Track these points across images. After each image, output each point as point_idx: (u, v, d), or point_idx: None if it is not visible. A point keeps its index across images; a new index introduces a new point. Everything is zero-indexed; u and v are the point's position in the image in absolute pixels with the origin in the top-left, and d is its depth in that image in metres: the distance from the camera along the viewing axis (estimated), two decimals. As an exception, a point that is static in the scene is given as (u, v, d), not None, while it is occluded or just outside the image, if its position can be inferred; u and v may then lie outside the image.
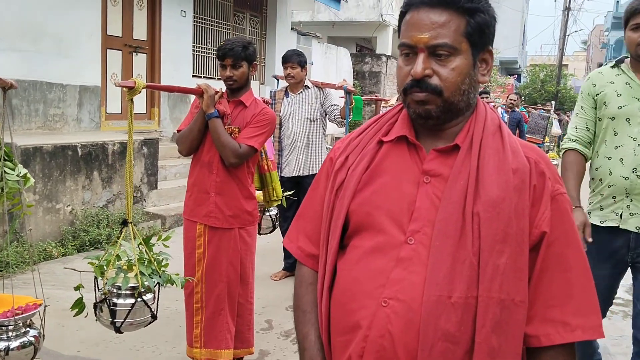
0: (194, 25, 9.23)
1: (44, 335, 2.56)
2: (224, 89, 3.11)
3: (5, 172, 2.62)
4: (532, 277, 1.19)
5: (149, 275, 2.45)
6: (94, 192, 6.05)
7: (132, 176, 2.62)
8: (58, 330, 3.73)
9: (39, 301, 2.62)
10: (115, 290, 2.41)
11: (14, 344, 2.47)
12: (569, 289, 1.20)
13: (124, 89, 2.59)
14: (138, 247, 2.52)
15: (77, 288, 2.49)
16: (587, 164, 2.82)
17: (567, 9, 29.27)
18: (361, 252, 1.24)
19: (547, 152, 13.05)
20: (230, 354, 3.06)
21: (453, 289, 1.13)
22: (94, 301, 2.50)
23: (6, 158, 2.67)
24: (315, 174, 5.03)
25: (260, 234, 3.91)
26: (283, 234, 4.81)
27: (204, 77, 9.50)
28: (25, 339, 2.50)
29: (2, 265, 4.84)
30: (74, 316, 2.50)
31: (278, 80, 5.77)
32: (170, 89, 3.00)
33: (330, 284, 1.29)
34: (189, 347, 3.13)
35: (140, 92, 2.61)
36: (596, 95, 2.72)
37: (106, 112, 7.63)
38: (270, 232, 4.11)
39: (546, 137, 13.08)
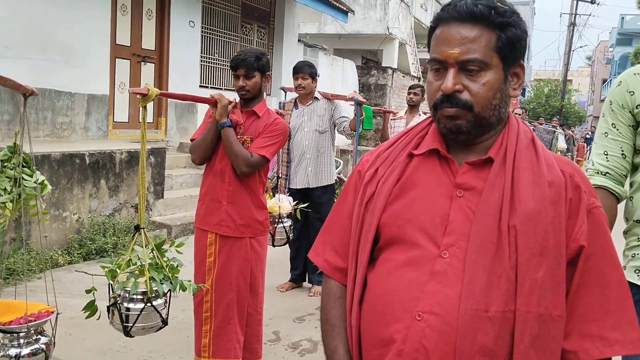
0: (202, 35, 9.28)
1: (54, 343, 2.54)
2: (238, 99, 3.14)
3: (23, 178, 2.63)
4: (570, 292, 1.18)
5: (161, 281, 2.46)
6: (100, 201, 6.05)
7: (145, 182, 2.63)
8: (65, 339, 3.71)
9: (51, 308, 2.61)
10: (126, 295, 2.43)
11: (25, 351, 2.46)
12: (606, 304, 1.18)
13: (138, 96, 2.61)
14: (150, 252, 2.52)
15: (89, 291, 2.51)
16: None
17: (572, 24, 29.38)
18: (393, 265, 1.23)
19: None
20: None
21: (490, 303, 1.12)
22: (107, 304, 2.52)
23: (24, 164, 2.68)
24: (323, 186, 5.05)
25: (274, 245, 3.91)
26: (291, 245, 4.80)
27: (211, 87, 9.53)
28: (36, 346, 2.48)
29: (10, 272, 4.83)
30: (86, 318, 2.51)
31: (286, 92, 5.78)
32: (183, 97, 3.01)
33: (361, 297, 1.28)
34: (197, 356, 3.11)
35: (154, 99, 2.64)
36: (637, 108, 1.91)
37: (114, 121, 7.65)
38: (285, 243, 4.11)
39: (552, 151, 13.06)
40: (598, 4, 30.07)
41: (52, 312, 2.58)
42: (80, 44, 6.94)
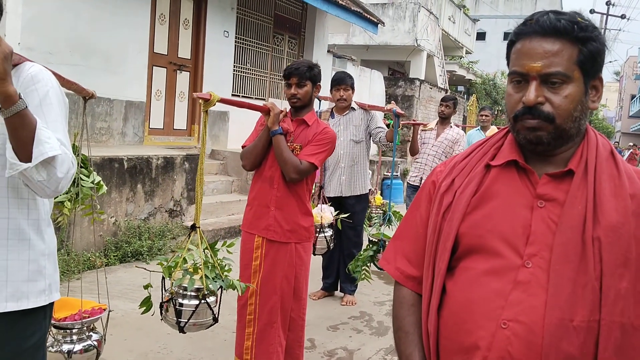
0: (235, 45, 9.43)
1: (105, 340, 2.63)
2: (288, 108, 3.23)
3: (80, 178, 2.73)
4: None
5: (213, 279, 2.54)
6: (136, 205, 6.18)
7: (203, 183, 2.72)
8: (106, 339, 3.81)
9: (103, 306, 2.70)
10: (180, 291, 2.51)
11: (78, 347, 2.55)
12: None
13: (200, 100, 2.71)
14: (204, 251, 2.61)
15: (146, 287, 2.59)
16: None
17: (602, 39, 29.09)
18: (474, 274, 1.26)
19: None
20: None
21: (575, 313, 1.15)
22: (161, 301, 2.59)
23: (82, 165, 2.78)
24: (357, 195, 5.10)
25: (315, 254, 3.97)
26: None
27: (242, 96, 9.66)
28: (88, 342, 2.58)
29: (50, 272, 4.96)
30: (142, 314, 2.60)
31: (320, 100, 5.86)
32: (240, 104, 3.11)
33: (438, 305, 1.31)
34: (237, 358, 3.17)
35: (215, 104, 2.73)
36: None
37: (149, 127, 7.81)
38: (325, 253, 4.18)
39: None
40: (628, 19, 29.78)
41: (104, 310, 2.67)
42: (119, 51, 7.11)
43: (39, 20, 6.18)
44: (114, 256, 5.71)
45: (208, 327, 2.61)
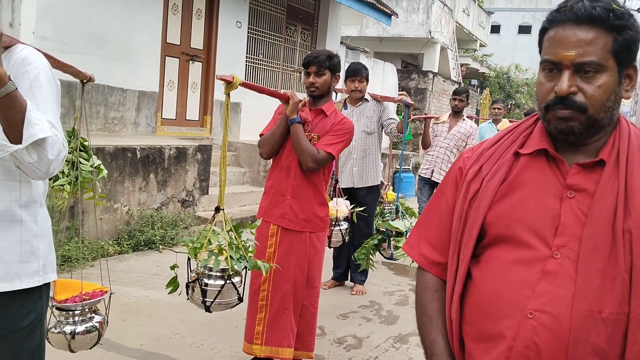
0: (248, 36, 9.43)
1: (107, 322, 2.60)
2: (307, 98, 3.25)
3: (79, 162, 2.72)
4: None
5: (237, 259, 2.58)
6: (149, 194, 6.23)
7: (226, 166, 2.79)
8: (120, 324, 3.86)
9: (105, 288, 2.68)
10: (206, 272, 2.56)
11: (80, 328, 2.50)
12: None
13: (222, 83, 2.72)
14: (228, 232, 2.65)
15: (173, 267, 2.64)
16: None
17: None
18: (501, 262, 1.25)
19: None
20: (291, 352, 3.14)
21: (604, 305, 1.14)
22: (187, 281, 2.65)
23: (81, 149, 2.77)
24: (369, 187, 5.10)
25: (330, 246, 3.99)
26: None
27: (255, 87, 9.68)
28: (90, 324, 2.52)
29: (64, 259, 5.03)
30: (169, 293, 2.67)
31: (337, 92, 5.86)
32: (261, 90, 3.12)
33: (462, 292, 1.31)
34: (247, 343, 3.20)
35: (237, 87, 2.73)
36: None
37: (162, 118, 7.85)
38: (340, 245, 4.22)
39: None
40: (645, 12, 29.31)
41: (106, 292, 2.66)
42: (133, 41, 7.15)
43: (54, 9, 6.22)
44: (127, 244, 5.76)
45: (233, 307, 2.69)
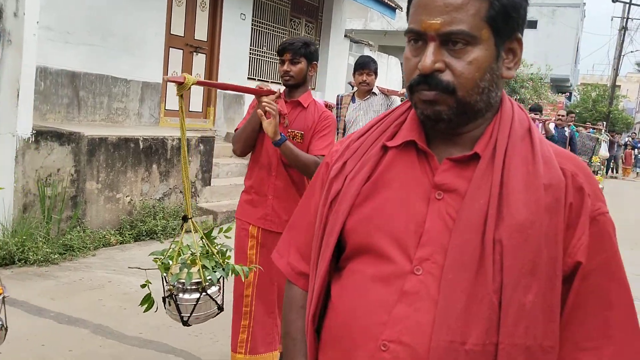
0: (252, 28, 9.44)
1: (6, 328, 2.17)
2: (282, 89, 3.06)
3: None
4: (563, 315, 0.99)
5: (213, 268, 2.43)
6: (152, 185, 6.26)
7: (189, 172, 2.59)
8: (120, 313, 3.90)
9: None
10: (180, 286, 2.40)
11: None
12: (607, 330, 0.99)
13: (174, 85, 2.49)
14: (200, 240, 2.51)
15: (143, 286, 2.49)
16: None
17: (624, 28, 28.65)
18: (359, 278, 1.04)
19: (595, 173, 12.81)
20: (277, 355, 3.02)
21: (468, 334, 0.93)
22: (163, 295, 2.49)
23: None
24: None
25: None
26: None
27: (258, 79, 9.69)
28: None
29: (66, 248, 5.07)
30: (144, 312, 2.53)
31: (353, 86, 5.84)
32: (225, 87, 2.91)
33: (319, 312, 1.11)
34: (232, 352, 3.05)
35: (189, 88, 2.52)
36: None
37: (165, 109, 7.87)
38: None
39: (594, 157, 12.83)
40: (652, 8, 29.20)
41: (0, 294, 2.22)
42: (137, 32, 7.16)
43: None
44: (128, 234, 5.80)
45: (215, 316, 2.54)
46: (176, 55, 8.02)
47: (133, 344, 3.51)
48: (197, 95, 8.51)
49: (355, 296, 1.03)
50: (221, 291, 2.51)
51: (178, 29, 7.99)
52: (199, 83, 2.59)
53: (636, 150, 24.59)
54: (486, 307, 0.93)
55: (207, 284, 2.41)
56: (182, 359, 3.44)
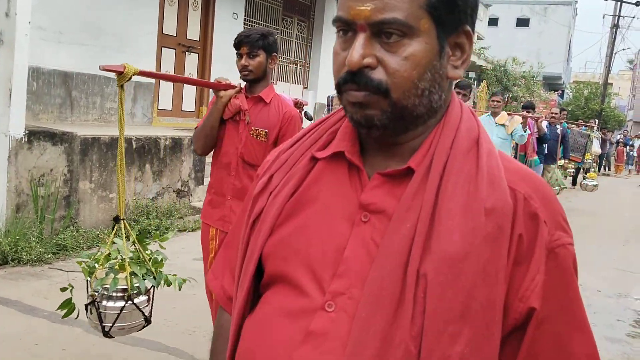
0: (244, 27, 9.45)
1: None
2: (243, 84, 2.92)
3: None
4: None
5: (143, 276, 2.24)
6: (145, 184, 6.27)
7: (124, 169, 2.38)
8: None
9: None
10: (104, 292, 2.20)
11: None
12: None
13: (115, 74, 2.29)
14: (132, 245, 2.34)
15: (64, 289, 2.34)
16: None
17: (615, 26, 28.81)
18: (267, 313, 0.90)
19: (587, 170, 12.87)
20: None
21: None
22: (85, 302, 2.27)
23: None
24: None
25: None
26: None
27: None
28: None
29: (59, 248, 5.08)
30: (62, 317, 2.39)
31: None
32: (173, 79, 2.83)
33: (233, 348, 0.96)
34: None
35: (131, 78, 2.32)
36: None
37: (158, 109, 7.88)
38: None
39: (587, 154, 12.90)
40: (643, 6, 29.39)
41: None
42: (129, 32, 7.16)
43: (50, -1, 6.24)
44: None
45: (140, 330, 2.35)
46: (169, 54, 8.03)
47: (127, 342, 3.52)
48: (189, 95, 8.52)
49: (258, 334, 0.89)
50: (150, 302, 2.30)
51: (170, 29, 8.00)
52: (142, 73, 2.35)
53: (628, 147, 24.77)
54: (401, 355, 0.77)
55: (134, 292, 2.20)
56: (176, 357, 3.46)
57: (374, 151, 0.90)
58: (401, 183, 0.85)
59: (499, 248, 0.80)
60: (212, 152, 2.99)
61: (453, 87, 0.93)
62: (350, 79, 0.84)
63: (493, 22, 33.04)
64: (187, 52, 8.31)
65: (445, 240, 0.79)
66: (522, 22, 35.82)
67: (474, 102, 18.11)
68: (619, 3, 28.84)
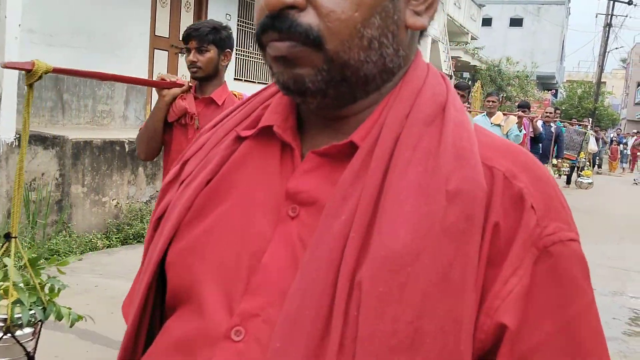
0: (237, 28, 9.41)
1: None
2: (192, 83, 2.68)
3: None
4: None
5: (31, 305, 1.89)
6: (138, 188, 6.22)
7: (23, 180, 2.04)
8: (107, 317, 3.85)
9: None
10: None
11: None
12: None
13: (23, 72, 1.92)
14: (22, 269, 2.02)
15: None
16: None
17: (608, 25, 28.93)
18: (162, 344, 0.67)
19: (582, 168, 12.90)
20: None
21: None
22: None
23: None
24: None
25: None
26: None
27: (245, 80, 9.67)
28: None
29: (52, 253, 5.02)
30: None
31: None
32: (102, 77, 2.38)
33: None
34: None
35: (42, 77, 1.93)
36: None
37: (150, 111, 7.82)
38: None
39: (582, 152, 12.91)
40: (635, 5, 29.53)
41: None
42: (121, 34, 7.11)
43: (40, 1, 6.17)
44: (115, 238, 5.76)
45: None
46: (161, 56, 7.97)
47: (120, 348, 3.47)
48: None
49: None
50: (36, 336, 1.93)
51: (163, 30, 7.95)
52: (56, 71, 2.00)
53: (622, 145, 24.87)
54: None
55: (16, 323, 1.85)
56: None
57: (316, 129, 0.68)
58: (342, 165, 0.62)
59: (466, 245, 0.56)
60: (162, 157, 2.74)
61: (417, 41, 0.69)
62: (271, 25, 0.61)
63: (487, 22, 33.12)
64: (180, 54, 8.25)
65: (388, 236, 0.56)
66: (516, 22, 35.92)
67: (468, 102, 18.13)
68: (611, 2, 28.95)
